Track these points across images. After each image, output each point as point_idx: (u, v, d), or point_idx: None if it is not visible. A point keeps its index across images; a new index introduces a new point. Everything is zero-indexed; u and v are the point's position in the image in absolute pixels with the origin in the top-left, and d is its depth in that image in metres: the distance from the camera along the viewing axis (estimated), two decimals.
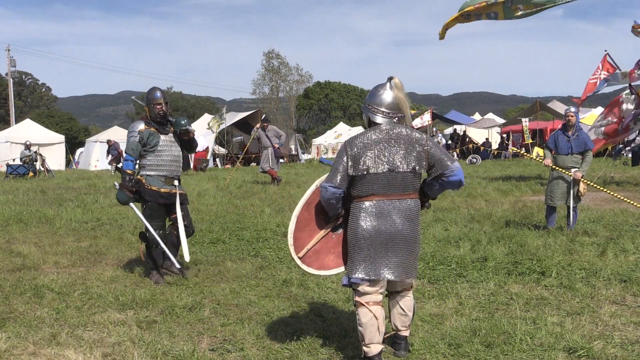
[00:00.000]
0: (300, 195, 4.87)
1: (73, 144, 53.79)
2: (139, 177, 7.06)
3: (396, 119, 4.41)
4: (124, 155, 7.08)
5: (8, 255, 8.37)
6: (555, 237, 8.89)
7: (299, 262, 4.55)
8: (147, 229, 7.00)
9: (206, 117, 41.31)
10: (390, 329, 4.72)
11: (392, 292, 4.60)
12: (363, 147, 4.30)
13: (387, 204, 4.28)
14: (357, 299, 4.34)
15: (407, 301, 4.59)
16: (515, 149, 22.01)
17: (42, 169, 29.02)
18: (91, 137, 46.62)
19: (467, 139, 41.65)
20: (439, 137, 31.72)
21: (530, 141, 32.81)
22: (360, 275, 4.29)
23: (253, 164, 35.92)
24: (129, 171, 6.95)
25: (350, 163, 4.29)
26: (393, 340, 4.66)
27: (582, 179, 9.34)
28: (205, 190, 17.37)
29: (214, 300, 6.13)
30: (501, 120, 45.76)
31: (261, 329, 5.21)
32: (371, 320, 4.27)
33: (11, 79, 59.54)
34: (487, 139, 43.65)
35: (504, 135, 40.85)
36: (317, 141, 54.03)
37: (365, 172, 4.27)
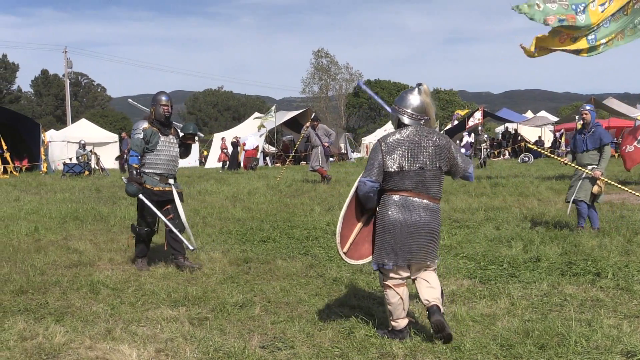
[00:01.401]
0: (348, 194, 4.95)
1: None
2: None
3: (422, 121, 4.90)
4: (130, 151, 7.53)
5: (65, 252, 8.59)
6: (611, 238, 8.68)
7: (344, 257, 4.94)
8: (139, 223, 7.71)
9: (256, 116, 41.62)
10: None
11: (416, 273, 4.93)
12: (397, 145, 4.75)
13: (415, 200, 4.76)
14: (385, 282, 4.88)
15: (430, 274, 4.89)
16: (533, 146, 20.93)
17: (97, 167, 29.70)
18: None
19: (519, 137, 40.98)
20: (484, 137, 31.20)
21: None
22: (387, 261, 4.78)
23: (303, 162, 36.04)
24: (135, 165, 7.48)
25: (386, 160, 4.72)
26: (428, 314, 4.80)
27: (600, 177, 9.16)
28: (255, 188, 17.51)
29: (265, 298, 6.18)
30: (554, 118, 44.78)
31: (311, 327, 5.23)
32: (398, 300, 4.84)
33: (68, 80, 61.09)
34: (539, 137, 42.87)
35: (557, 134, 40.01)
36: (366, 140, 53.89)
37: (399, 169, 4.73)
